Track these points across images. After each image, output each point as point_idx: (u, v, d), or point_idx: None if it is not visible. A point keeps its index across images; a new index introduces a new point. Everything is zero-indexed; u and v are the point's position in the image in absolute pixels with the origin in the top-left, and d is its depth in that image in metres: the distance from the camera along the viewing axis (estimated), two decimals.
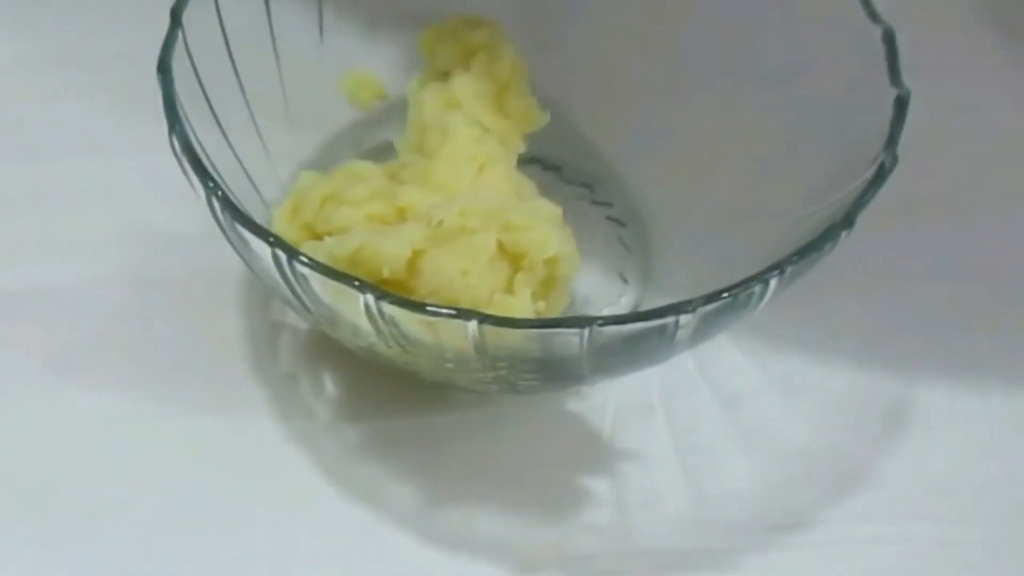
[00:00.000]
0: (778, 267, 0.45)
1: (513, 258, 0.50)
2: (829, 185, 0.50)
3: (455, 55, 0.55)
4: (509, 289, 0.50)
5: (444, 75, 0.55)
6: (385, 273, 0.48)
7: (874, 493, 0.52)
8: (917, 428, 0.54)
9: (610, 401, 0.54)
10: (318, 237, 0.51)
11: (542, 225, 0.50)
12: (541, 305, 0.50)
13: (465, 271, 0.49)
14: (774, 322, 0.51)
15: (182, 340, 0.55)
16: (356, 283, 0.44)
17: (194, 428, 0.52)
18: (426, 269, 0.49)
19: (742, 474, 0.53)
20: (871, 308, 0.57)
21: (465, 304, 0.48)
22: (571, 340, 0.44)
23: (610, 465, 0.53)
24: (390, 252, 0.48)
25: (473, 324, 0.43)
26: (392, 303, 0.43)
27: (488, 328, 0.43)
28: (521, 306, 0.49)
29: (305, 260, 0.44)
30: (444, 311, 0.43)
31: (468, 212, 0.49)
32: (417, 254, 0.49)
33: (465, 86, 0.54)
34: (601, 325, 0.43)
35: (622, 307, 0.55)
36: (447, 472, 0.52)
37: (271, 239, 0.45)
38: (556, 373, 0.49)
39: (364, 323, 0.45)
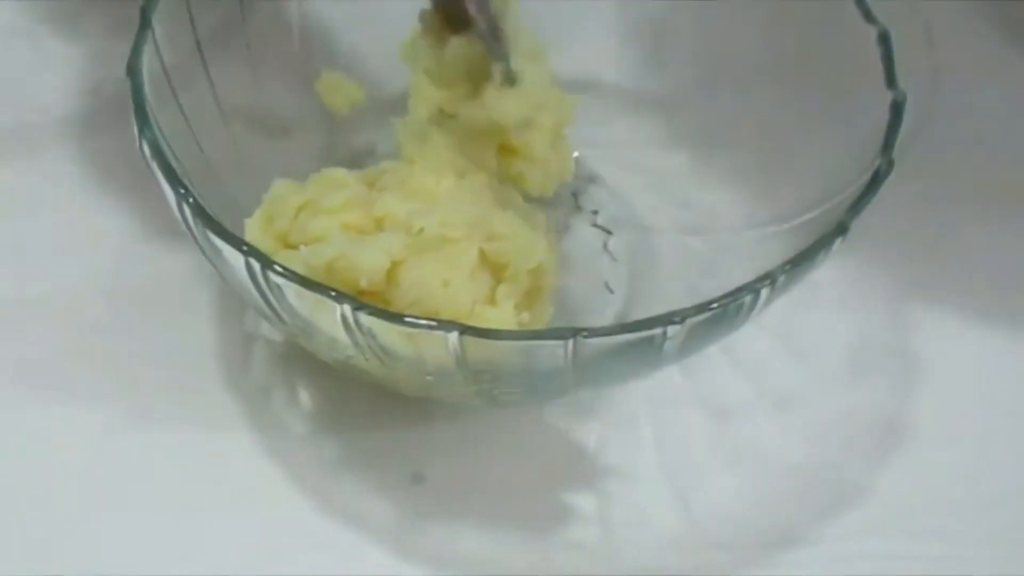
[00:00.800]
0: (769, 277, 0.43)
1: (496, 268, 0.49)
2: (824, 191, 0.49)
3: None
4: (492, 300, 0.49)
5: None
6: (363, 283, 0.47)
7: (869, 510, 0.51)
8: (912, 443, 0.53)
9: (596, 415, 0.53)
10: (293, 247, 0.50)
11: (526, 233, 0.49)
12: (525, 316, 0.49)
13: (446, 281, 0.47)
14: (766, 333, 0.50)
15: (153, 351, 0.53)
16: (333, 293, 0.42)
17: (166, 441, 0.51)
18: (405, 279, 0.47)
19: (732, 491, 0.51)
20: (865, 318, 0.56)
21: (446, 315, 0.46)
22: (555, 352, 0.42)
23: (595, 482, 0.51)
24: (368, 262, 0.47)
25: (454, 336, 0.42)
26: (370, 314, 0.42)
27: (469, 340, 0.42)
28: (504, 317, 0.48)
29: (280, 269, 0.43)
30: (424, 322, 0.42)
31: (449, 220, 0.48)
32: (396, 264, 0.47)
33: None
34: (586, 337, 0.42)
35: (608, 318, 0.54)
36: (426, 488, 0.51)
37: (244, 247, 0.43)
38: (540, 386, 0.48)
39: (341, 335, 0.44)
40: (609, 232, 0.57)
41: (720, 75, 0.55)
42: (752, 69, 0.54)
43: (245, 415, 0.52)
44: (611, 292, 0.55)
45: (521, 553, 0.49)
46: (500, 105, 0.51)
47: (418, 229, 0.48)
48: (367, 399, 0.52)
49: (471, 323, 0.44)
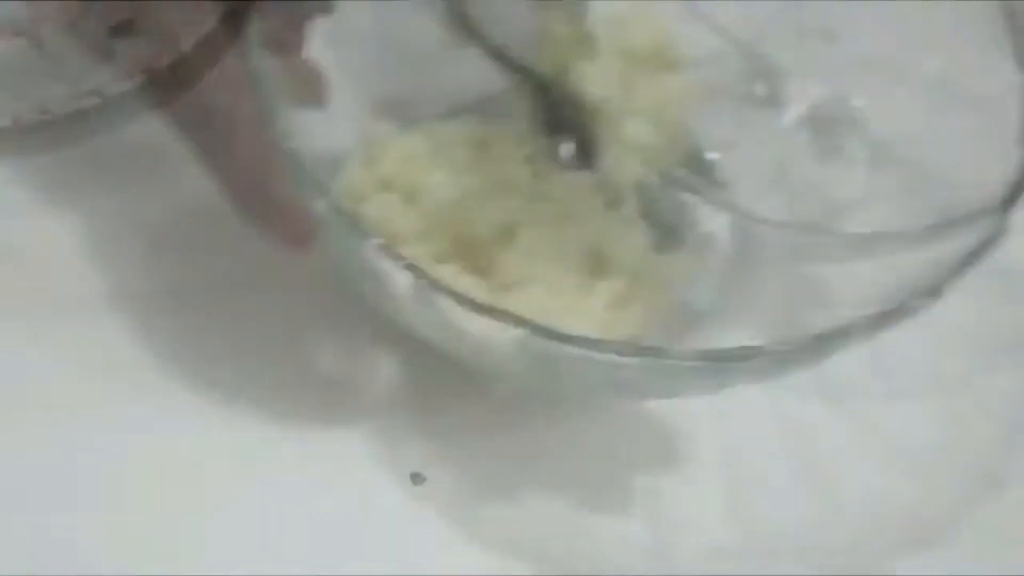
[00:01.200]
0: (861, 325, 0.41)
1: (596, 264, 0.49)
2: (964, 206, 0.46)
3: None
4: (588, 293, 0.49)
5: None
6: (482, 229, 0.48)
7: (942, 551, 0.49)
8: (1005, 489, 0.50)
9: (662, 412, 0.51)
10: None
11: (633, 239, 0.50)
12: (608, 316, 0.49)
13: (556, 255, 0.48)
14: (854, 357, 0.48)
15: (149, 353, 0.52)
16: (405, 262, 0.41)
17: (163, 443, 0.50)
18: (521, 240, 0.48)
19: (795, 508, 0.49)
20: (963, 351, 0.53)
21: (548, 287, 0.47)
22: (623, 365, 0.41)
23: (654, 480, 0.50)
24: (489, 214, 0.48)
25: (520, 332, 0.40)
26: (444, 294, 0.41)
27: (535, 339, 0.40)
28: (593, 311, 0.48)
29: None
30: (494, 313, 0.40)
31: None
32: (515, 225, 0.48)
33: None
34: (656, 358, 0.41)
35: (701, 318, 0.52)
36: (425, 490, 0.49)
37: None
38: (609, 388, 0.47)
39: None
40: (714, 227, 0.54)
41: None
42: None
43: (241, 417, 0.50)
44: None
45: (571, 543, 0.49)
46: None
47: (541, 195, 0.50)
48: (366, 399, 0.51)
49: (567, 304, 0.46)
